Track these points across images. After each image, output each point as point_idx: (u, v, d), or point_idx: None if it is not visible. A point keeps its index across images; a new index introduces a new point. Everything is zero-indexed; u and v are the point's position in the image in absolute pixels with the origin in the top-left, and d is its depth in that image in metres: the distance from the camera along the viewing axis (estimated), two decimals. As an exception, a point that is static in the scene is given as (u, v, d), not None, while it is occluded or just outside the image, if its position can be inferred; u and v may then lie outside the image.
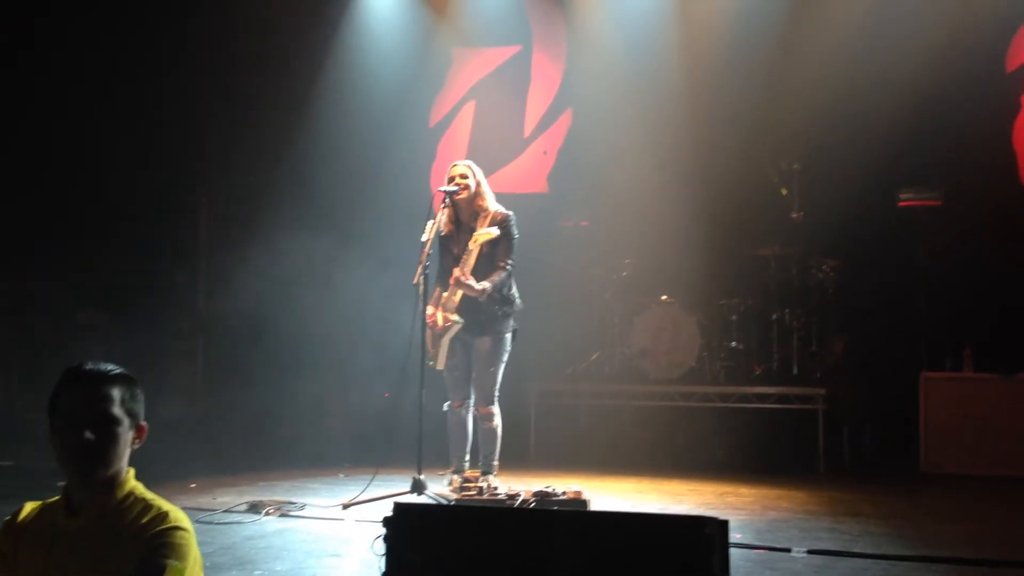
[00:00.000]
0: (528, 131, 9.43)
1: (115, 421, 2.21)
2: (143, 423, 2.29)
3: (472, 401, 5.78)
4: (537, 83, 9.45)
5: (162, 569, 2.10)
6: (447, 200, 5.65)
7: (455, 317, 5.60)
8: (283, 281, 7.91)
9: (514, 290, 5.78)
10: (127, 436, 2.24)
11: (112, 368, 2.27)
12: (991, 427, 7.09)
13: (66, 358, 2.32)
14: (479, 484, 5.63)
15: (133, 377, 2.30)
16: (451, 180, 5.69)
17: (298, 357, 7.83)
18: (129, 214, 8.14)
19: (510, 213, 5.73)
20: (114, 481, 2.23)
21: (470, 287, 5.51)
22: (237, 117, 8.63)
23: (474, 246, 5.54)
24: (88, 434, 2.17)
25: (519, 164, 9.37)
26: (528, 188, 9.28)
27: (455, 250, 5.68)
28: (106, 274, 8.15)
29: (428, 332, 5.66)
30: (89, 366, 2.25)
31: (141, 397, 2.29)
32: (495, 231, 5.56)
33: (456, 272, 5.54)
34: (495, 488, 5.62)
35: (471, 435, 5.83)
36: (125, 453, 2.25)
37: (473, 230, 5.67)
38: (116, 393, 2.22)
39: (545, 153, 9.30)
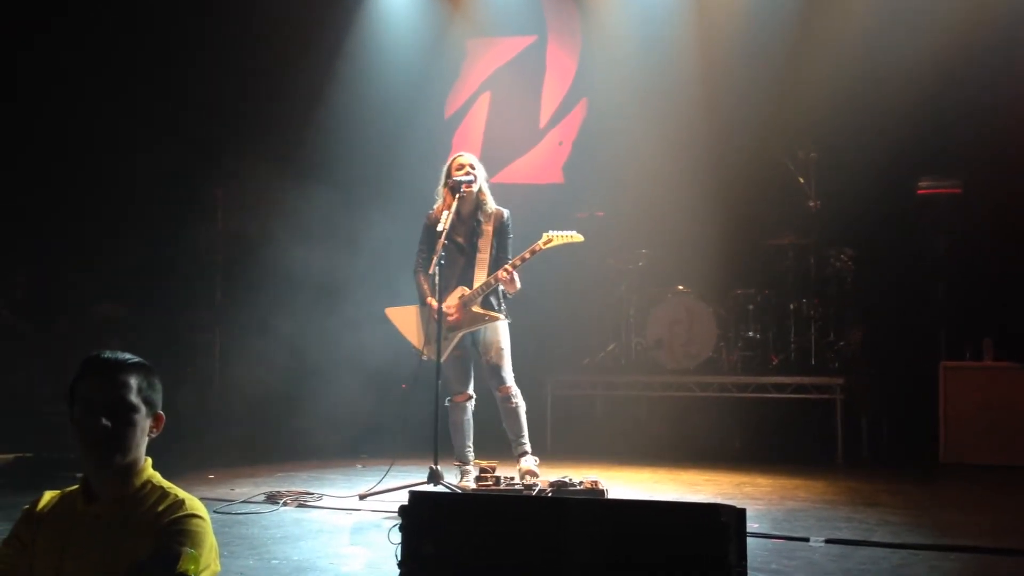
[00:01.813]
0: (543, 122, 9.41)
1: (132, 408, 2.23)
2: (160, 412, 2.30)
3: (473, 394, 5.79)
4: (552, 74, 9.43)
5: (177, 556, 2.11)
6: (460, 190, 5.65)
7: (494, 314, 5.62)
8: (299, 273, 7.93)
9: None
10: (144, 424, 2.26)
11: (129, 357, 2.28)
12: (1011, 417, 7.03)
13: (85, 351, 2.33)
14: (496, 474, 5.62)
15: (151, 366, 2.31)
16: (459, 168, 5.70)
17: (315, 349, 7.85)
18: (147, 208, 8.18)
19: (507, 212, 5.79)
20: (131, 469, 2.25)
21: (515, 283, 5.54)
22: (254, 111, 8.66)
23: (545, 246, 5.55)
24: (105, 421, 2.19)
25: (534, 155, 9.36)
26: (544, 179, 9.28)
27: (457, 239, 5.69)
28: (124, 268, 8.19)
29: (430, 324, 5.60)
30: (107, 355, 2.26)
31: (159, 386, 2.31)
32: (576, 235, 5.59)
33: (508, 267, 5.52)
34: (511, 478, 5.61)
35: (472, 427, 5.82)
36: (142, 441, 2.26)
37: (479, 222, 5.70)
38: (133, 381, 2.24)
39: (560, 144, 9.29)
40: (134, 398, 2.23)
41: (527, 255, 5.56)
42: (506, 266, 5.55)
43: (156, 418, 2.29)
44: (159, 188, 8.22)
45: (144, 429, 2.26)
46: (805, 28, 8.15)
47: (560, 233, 5.58)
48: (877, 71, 7.94)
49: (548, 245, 5.57)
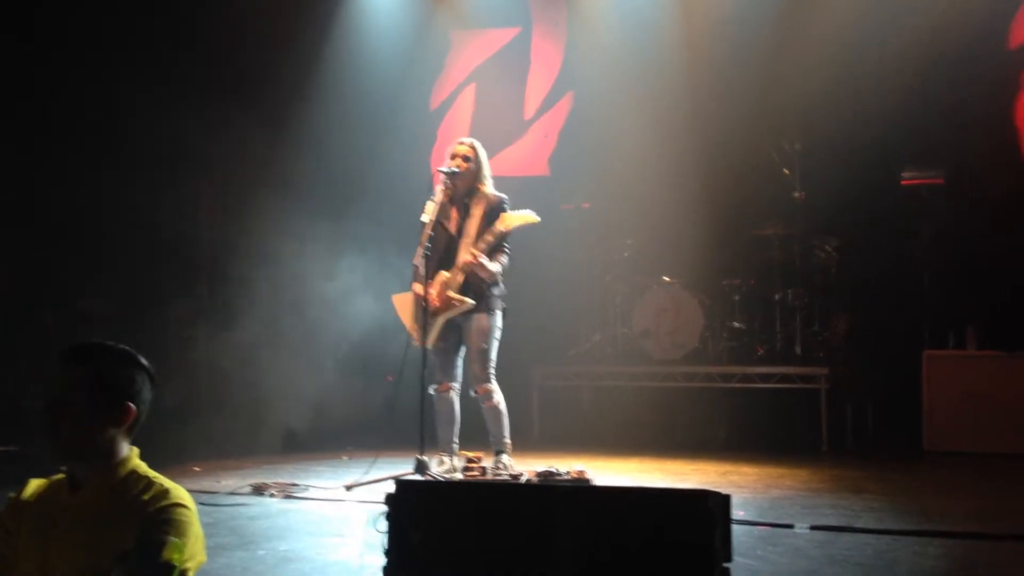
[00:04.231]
0: (529, 114, 9.41)
1: (62, 401, 2.18)
2: (128, 403, 2.23)
3: (458, 384, 5.77)
4: (537, 65, 9.42)
5: (162, 545, 2.10)
6: (447, 181, 5.64)
7: (462, 298, 5.58)
8: (284, 265, 7.91)
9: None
10: (94, 416, 2.19)
11: (93, 346, 2.23)
12: (994, 404, 7.09)
13: (68, 344, 2.29)
14: (484, 464, 5.64)
15: (124, 355, 2.25)
16: (452, 158, 5.69)
17: (300, 340, 7.83)
18: (130, 201, 8.13)
19: (505, 197, 5.74)
20: (109, 459, 2.21)
21: (484, 267, 5.51)
22: (237, 102, 8.61)
23: (505, 228, 5.53)
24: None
25: (520, 147, 9.35)
26: (529, 171, 9.27)
27: (448, 225, 5.68)
28: (108, 261, 8.15)
29: (419, 311, 5.61)
30: (73, 344, 2.23)
31: (130, 376, 2.24)
32: (531, 215, 5.56)
33: (472, 253, 5.51)
34: (499, 468, 5.63)
35: (459, 417, 5.80)
36: (90, 433, 2.19)
37: (468, 207, 5.67)
38: (85, 371, 2.20)
39: (546, 136, 9.28)
40: (80, 390, 2.18)
41: (489, 238, 5.54)
42: (472, 250, 5.53)
43: (120, 409, 2.22)
44: (142, 181, 8.17)
45: (92, 419, 2.19)
46: (790, 19, 8.17)
47: (514, 213, 5.59)
48: (860, 63, 7.97)
49: (506, 227, 5.56)
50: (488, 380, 5.69)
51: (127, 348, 2.29)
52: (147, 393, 2.29)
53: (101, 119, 7.94)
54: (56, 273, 8.04)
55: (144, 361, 2.30)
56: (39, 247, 7.99)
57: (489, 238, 5.52)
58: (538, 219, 5.64)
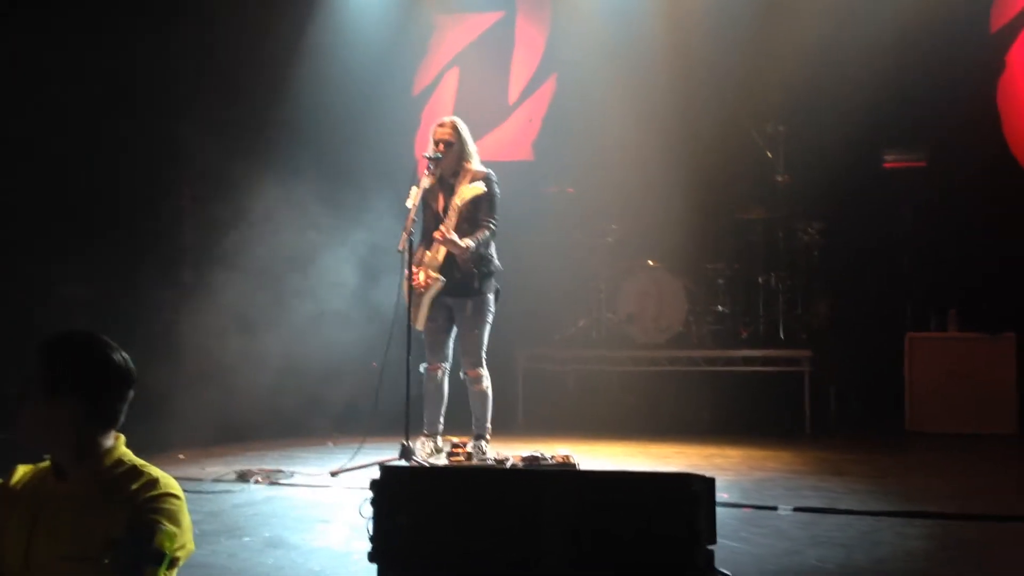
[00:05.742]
0: (513, 98, 9.37)
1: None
2: (79, 395, 2.18)
3: (448, 365, 5.78)
4: (521, 49, 9.38)
5: (154, 533, 2.09)
6: (431, 166, 5.62)
7: (436, 275, 5.58)
8: (268, 251, 7.87)
9: (492, 251, 5.74)
10: (45, 408, 2.18)
11: (51, 339, 2.21)
12: (975, 386, 7.17)
13: (50, 331, 2.26)
14: (468, 450, 5.65)
15: (87, 346, 2.21)
16: (436, 144, 5.66)
17: (284, 327, 7.80)
18: (112, 188, 8.06)
19: (490, 171, 5.72)
20: (89, 450, 2.20)
21: (454, 243, 5.49)
22: (217, 90, 8.54)
23: (460, 202, 5.52)
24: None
25: (504, 131, 9.32)
26: (513, 155, 9.24)
27: (435, 206, 5.68)
28: (89, 247, 8.09)
29: (409, 292, 5.61)
30: (46, 335, 2.22)
31: (88, 367, 2.19)
32: (481, 186, 5.55)
33: (439, 230, 5.52)
34: (484, 453, 5.64)
35: (447, 398, 5.81)
36: (50, 425, 2.18)
37: (454, 187, 5.66)
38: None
39: (531, 120, 9.25)
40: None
41: (451, 213, 5.55)
42: (441, 227, 5.53)
43: (73, 401, 2.18)
44: (124, 169, 8.10)
45: (54, 412, 2.17)
46: (773, 3, 8.17)
47: (468, 186, 5.58)
48: (843, 45, 7.97)
49: (462, 200, 5.55)
50: (480, 364, 5.69)
51: (100, 338, 2.24)
52: (117, 385, 2.23)
53: (83, 105, 7.86)
54: (38, 258, 7.97)
55: (117, 355, 2.23)
56: (19, 232, 7.92)
57: (451, 213, 5.53)
58: (485, 189, 5.61)
